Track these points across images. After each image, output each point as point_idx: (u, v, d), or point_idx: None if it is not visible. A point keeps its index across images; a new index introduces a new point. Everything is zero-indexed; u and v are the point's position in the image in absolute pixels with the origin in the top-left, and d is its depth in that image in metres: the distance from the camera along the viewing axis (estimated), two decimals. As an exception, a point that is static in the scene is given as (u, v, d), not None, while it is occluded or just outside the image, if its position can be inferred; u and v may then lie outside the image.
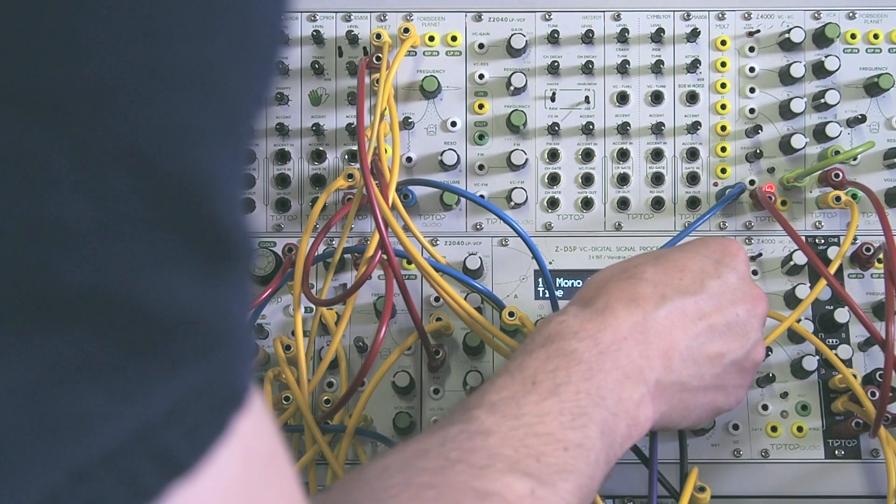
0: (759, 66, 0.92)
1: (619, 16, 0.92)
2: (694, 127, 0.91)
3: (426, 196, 0.91)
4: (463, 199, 0.90)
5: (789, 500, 0.86)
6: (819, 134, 0.90)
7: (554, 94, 0.92)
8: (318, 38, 0.92)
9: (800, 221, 0.90)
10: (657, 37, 0.91)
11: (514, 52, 0.92)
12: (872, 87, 0.90)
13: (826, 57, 0.90)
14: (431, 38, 0.92)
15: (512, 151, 0.90)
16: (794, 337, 0.88)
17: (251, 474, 0.34)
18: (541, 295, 0.90)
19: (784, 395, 0.87)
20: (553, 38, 0.91)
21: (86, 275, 0.27)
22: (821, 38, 0.91)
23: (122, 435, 0.29)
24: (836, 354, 0.85)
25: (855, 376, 0.84)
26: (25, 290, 0.27)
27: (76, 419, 0.28)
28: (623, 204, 0.90)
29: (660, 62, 0.91)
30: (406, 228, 0.84)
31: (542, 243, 0.90)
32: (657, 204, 0.90)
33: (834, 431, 0.86)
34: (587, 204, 0.91)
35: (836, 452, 0.86)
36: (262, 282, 0.88)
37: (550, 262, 0.90)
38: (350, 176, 0.88)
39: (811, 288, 0.87)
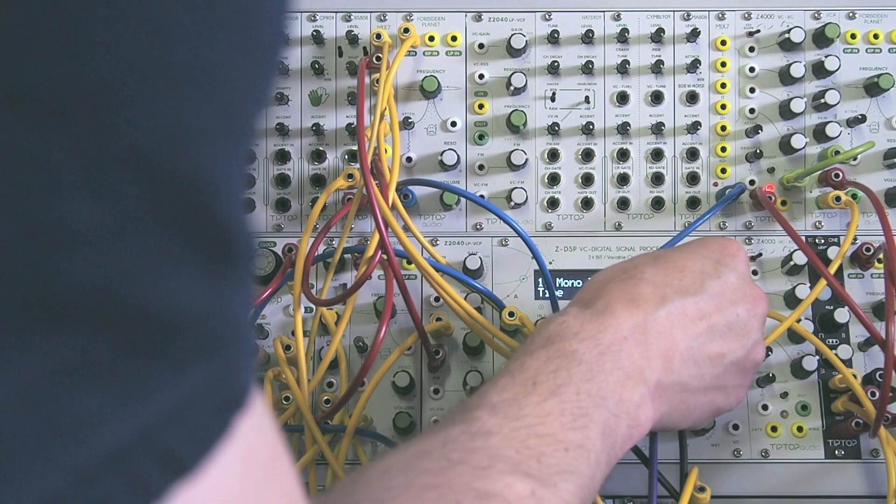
0: (759, 66, 0.92)
1: (619, 16, 0.92)
2: (694, 127, 0.91)
3: (426, 196, 0.91)
4: (463, 199, 0.90)
5: (789, 500, 0.86)
6: (819, 134, 0.90)
7: (554, 94, 0.92)
8: (318, 38, 0.92)
9: (800, 221, 0.90)
10: (657, 37, 0.91)
11: (514, 52, 0.92)
12: (872, 87, 0.90)
13: (826, 57, 0.90)
14: (431, 38, 0.92)
15: (512, 151, 0.90)
16: (794, 337, 0.88)
17: (253, 474, 0.34)
18: (541, 295, 0.90)
19: (784, 395, 0.87)
20: (553, 38, 0.91)
21: (89, 276, 0.27)
22: (821, 38, 0.91)
23: (125, 436, 0.29)
24: (836, 354, 0.85)
25: (855, 376, 0.84)
26: (29, 291, 0.27)
27: (79, 420, 0.28)
28: (623, 204, 0.90)
29: (660, 62, 0.91)
30: (406, 228, 0.84)
31: (542, 243, 0.90)
32: (657, 204, 0.90)
33: (834, 431, 0.86)
34: (587, 204, 0.91)
35: (836, 452, 0.86)
36: (262, 282, 0.88)
37: (550, 262, 0.90)
38: (350, 176, 0.88)
39: (811, 288, 0.87)
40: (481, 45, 0.92)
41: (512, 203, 0.90)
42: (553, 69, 0.91)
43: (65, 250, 0.27)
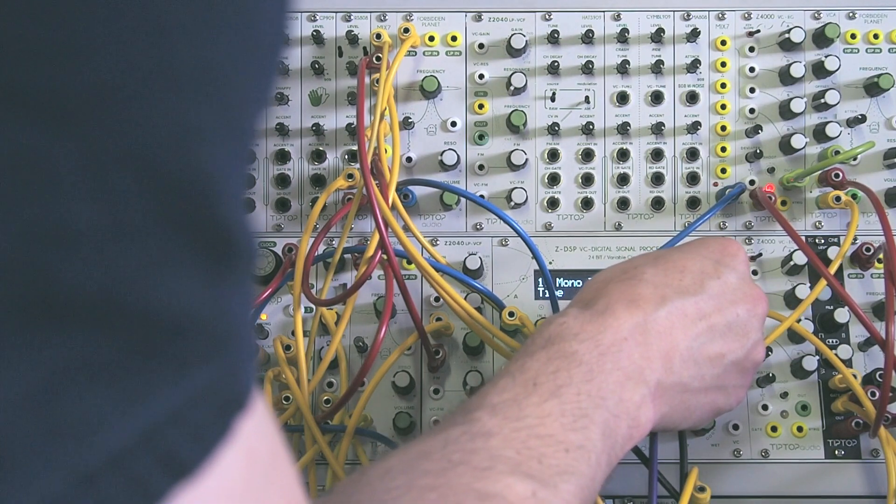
0: (759, 66, 0.92)
1: (619, 16, 0.92)
2: (694, 127, 0.91)
3: (426, 196, 0.91)
4: (463, 199, 0.90)
5: (789, 500, 0.86)
6: (819, 134, 0.90)
7: (554, 94, 0.92)
8: (318, 38, 0.92)
9: (800, 221, 0.90)
10: (657, 37, 0.91)
11: (514, 52, 0.92)
12: (872, 87, 0.90)
13: (826, 57, 0.90)
14: (431, 38, 0.92)
15: (512, 151, 0.90)
16: (794, 337, 0.88)
17: (254, 475, 0.34)
18: (541, 295, 0.90)
19: (784, 395, 0.87)
20: (553, 38, 0.91)
21: (90, 277, 0.27)
22: (821, 38, 0.91)
23: (126, 437, 0.29)
24: (836, 354, 0.85)
25: (855, 376, 0.84)
26: (31, 292, 0.27)
27: (81, 421, 0.28)
28: (623, 204, 0.90)
29: (660, 62, 0.91)
30: (406, 228, 0.84)
31: (542, 243, 0.90)
32: (657, 204, 0.90)
33: (834, 431, 0.86)
34: (587, 204, 0.91)
35: (836, 452, 0.86)
36: (262, 282, 0.88)
37: (550, 262, 0.90)
38: (350, 176, 0.87)
39: (811, 288, 0.87)
40: (481, 45, 0.92)
41: (512, 203, 0.90)
42: (553, 69, 0.91)
43: (65, 251, 0.27)
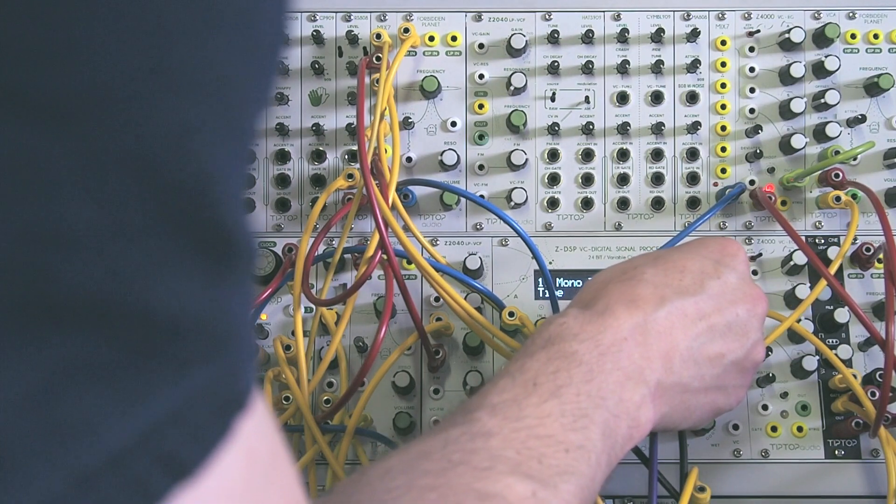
0: (759, 66, 0.92)
1: (619, 16, 0.92)
2: (694, 127, 0.91)
3: (426, 196, 0.91)
4: (463, 199, 0.90)
5: (789, 500, 0.86)
6: (819, 134, 0.90)
7: (554, 94, 0.92)
8: (318, 38, 0.92)
9: (800, 221, 0.90)
10: (657, 37, 0.91)
11: (514, 52, 0.91)
12: (872, 87, 0.90)
13: (826, 57, 0.90)
14: (431, 38, 0.92)
15: (512, 151, 0.90)
16: (794, 337, 0.88)
17: (254, 475, 0.34)
18: (541, 295, 0.90)
19: (784, 395, 0.87)
20: (553, 38, 0.91)
21: (89, 278, 0.27)
22: (821, 38, 0.91)
23: (126, 438, 0.29)
24: (836, 354, 0.85)
25: (855, 376, 0.84)
26: (30, 294, 0.27)
27: (80, 422, 0.28)
28: (623, 204, 0.90)
29: (660, 62, 0.91)
30: (406, 228, 0.84)
31: (542, 243, 0.90)
32: (657, 204, 0.90)
33: (834, 431, 0.86)
34: (587, 204, 0.91)
35: (836, 452, 0.86)
36: (262, 282, 0.88)
37: (550, 262, 0.90)
38: (350, 176, 0.87)
39: (811, 288, 0.87)
40: (481, 45, 0.92)
41: (512, 203, 0.90)
42: (553, 69, 0.91)
43: (65, 252, 0.27)
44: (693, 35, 0.91)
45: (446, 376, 0.88)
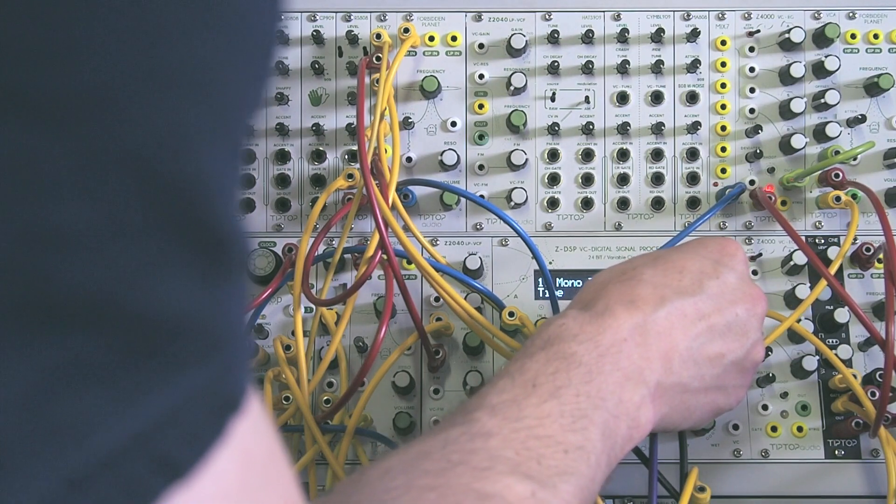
0: (759, 66, 0.92)
1: (619, 16, 0.92)
2: (694, 127, 0.91)
3: (426, 196, 0.91)
4: (463, 199, 0.90)
5: (789, 500, 0.86)
6: (819, 134, 0.90)
7: (554, 94, 0.92)
8: (318, 38, 0.92)
9: (800, 221, 0.90)
10: (657, 37, 0.91)
11: (514, 52, 0.92)
12: (872, 87, 0.90)
13: (826, 57, 0.90)
14: (431, 38, 0.92)
15: (512, 151, 0.90)
16: (794, 337, 0.88)
17: (250, 477, 0.34)
18: (541, 295, 0.90)
19: (784, 395, 0.87)
20: (553, 38, 0.91)
21: (84, 278, 0.27)
22: (821, 38, 0.91)
23: (120, 439, 0.29)
24: (836, 354, 0.85)
25: (855, 376, 0.84)
26: (24, 293, 0.27)
27: (74, 423, 0.28)
28: (623, 204, 0.90)
29: (660, 62, 0.91)
30: (406, 228, 0.84)
31: (542, 243, 0.90)
32: (657, 204, 0.90)
33: (834, 431, 0.86)
34: (587, 204, 0.91)
35: (836, 452, 0.86)
36: (262, 282, 0.88)
37: (550, 262, 0.90)
38: (350, 176, 0.88)
39: (811, 288, 0.87)
40: (481, 45, 0.92)
41: (512, 203, 0.90)
42: (553, 69, 0.91)
43: (59, 253, 0.27)
44: (693, 35, 0.91)
45: (446, 376, 0.88)
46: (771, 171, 0.91)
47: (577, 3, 0.92)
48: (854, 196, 0.89)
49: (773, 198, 0.88)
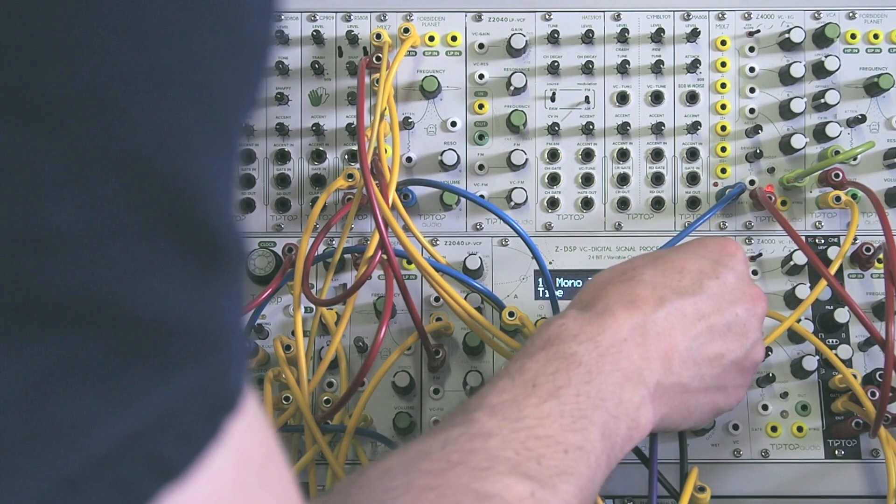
0: (759, 66, 0.92)
1: (619, 16, 0.92)
2: (694, 127, 0.91)
3: (426, 196, 0.91)
4: (463, 199, 0.90)
5: (789, 500, 0.86)
6: (819, 134, 0.90)
7: (554, 94, 0.92)
8: (318, 38, 0.92)
9: (800, 221, 0.90)
10: (657, 37, 0.91)
11: (514, 52, 0.92)
12: (872, 87, 0.90)
13: (826, 57, 0.90)
14: (431, 38, 0.92)
15: (512, 151, 0.90)
16: (794, 337, 0.88)
17: (246, 477, 0.34)
18: (541, 295, 0.90)
19: (784, 395, 0.87)
20: (553, 38, 0.91)
21: (77, 280, 0.27)
22: (821, 38, 0.91)
23: (114, 440, 0.29)
24: (836, 354, 0.85)
25: (855, 376, 0.84)
26: (18, 296, 0.27)
27: (68, 425, 0.28)
28: (623, 204, 0.90)
29: (660, 62, 0.91)
30: (406, 228, 0.84)
31: (542, 243, 0.90)
32: (657, 204, 0.90)
33: (834, 431, 0.86)
34: (587, 204, 0.91)
35: (836, 452, 0.86)
36: (261, 282, 0.88)
37: (550, 262, 0.90)
38: (350, 176, 0.88)
39: (811, 288, 0.87)
40: (481, 45, 0.92)
41: (512, 203, 0.90)
42: (553, 69, 0.91)
43: (52, 254, 0.27)
44: (693, 35, 0.91)
45: (446, 376, 0.88)
46: (771, 171, 0.91)
47: (577, 3, 0.92)
48: (854, 196, 0.89)
49: (773, 198, 0.88)
